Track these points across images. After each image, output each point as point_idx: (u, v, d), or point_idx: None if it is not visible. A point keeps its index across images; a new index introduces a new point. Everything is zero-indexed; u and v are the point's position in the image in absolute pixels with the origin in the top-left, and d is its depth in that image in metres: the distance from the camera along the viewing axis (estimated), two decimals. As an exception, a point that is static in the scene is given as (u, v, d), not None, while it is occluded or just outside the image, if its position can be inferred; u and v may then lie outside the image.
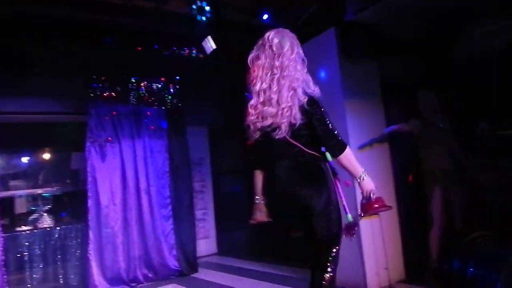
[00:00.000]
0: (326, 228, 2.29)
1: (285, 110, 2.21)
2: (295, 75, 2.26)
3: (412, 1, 3.33)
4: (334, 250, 2.33)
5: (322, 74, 4.43)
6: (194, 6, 4.34)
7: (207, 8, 4.32)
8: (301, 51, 2.38)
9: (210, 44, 4.84)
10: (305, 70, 2.34)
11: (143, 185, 5.52)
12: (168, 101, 5.86)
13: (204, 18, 4.43)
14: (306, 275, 2.43)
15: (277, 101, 2.23)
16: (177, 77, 5.90)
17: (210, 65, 5.71)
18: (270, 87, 2.25)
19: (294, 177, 2.29)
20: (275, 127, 2.25)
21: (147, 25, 4.85)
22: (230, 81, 6.66)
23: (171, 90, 5.89)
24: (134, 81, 5.60)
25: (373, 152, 4.35)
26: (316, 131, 2.25)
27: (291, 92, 2.22)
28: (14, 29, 4.36)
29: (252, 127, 2.35)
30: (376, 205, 4.02)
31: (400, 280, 4.30)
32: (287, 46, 2.31)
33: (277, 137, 2.25)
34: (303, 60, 2.36)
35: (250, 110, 2.34)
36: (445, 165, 4.19)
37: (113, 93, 5.49)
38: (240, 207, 7.07)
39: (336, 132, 2.28)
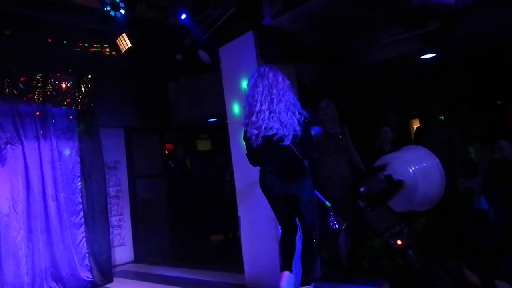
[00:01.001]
0: (313, 215, 3.18)
1: (288, 125, 3.02)
2: (290, 100, 3.09)
3: (320, 12, 3.49)
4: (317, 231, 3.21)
5: (241, 76, 4.44)
6: (107, 1, 4.11)
7: (121, 4, 4.11)
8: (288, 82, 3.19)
9: (125, 41, 4.62)
10: (295, 96, 3.17)
11: (50, 191, 5.10)
12: (79, 100, 5.50)
13: (118, 14, 4.21)
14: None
15: (279, 119, 3.02)
16: (89, 75, 5.56)
17: (125, 64, 5.47)
18: (269, 108, 3.03)
19: (288, 173, 3.13)
20: (281, 137, 3.03)
21: (56, 18, 4.50)
22: (147, 81, 6.46)
23: (82, 88, 5.54)
24: (39, 77, 5.16)
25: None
26: (305, 139, 3.15)
27: (289, 113, 3.04)
28: None
29: (254, 138, 3.10)
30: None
31: (317, 278, 4.44)
32: (280, 78, 3.14)
33: (281, 144, 3.04)
34: (291, 88, 3.17)
35: (249, 125, 3.11)
36: (343, 173, 4.46)
37: (14, 90, 5.01)
38: (159, 212, 6.89)
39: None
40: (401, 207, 1.00)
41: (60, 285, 4.97)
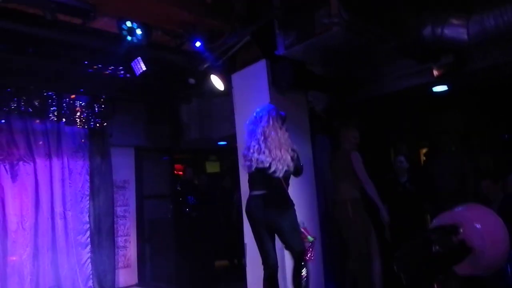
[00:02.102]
0: (299, 240, 3.43)
1: (282, 160, 3.31)
2: (280, 139, 3.36)
3: (332, 44, 3.54)
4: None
5: (252, 102, 4.49)
6: (124, 26, 4.21)
7: (138, 30, 4.20)
8: (279, 120, 3.46)
9: (140, 65, 4.71)
10: (285, 132, 3.43)
11: (58, 209, 5.14)
12: (92, 119, 5.58)
13: (134, 39, 4.31)
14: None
15: (270, 154, 3.31)
16: (103, 96, 5.65)
17: (139, 86, 5.55)
18: (259, 145, 3.35)
19: (272, 201, 3.34)
20: (274, 170, 3.29)
21: (74, 40, 4.60)
22: (160, 103, 6.54)
23: (96, 108, 5.62)
24: (54, 96, 5.26)
25: (299, 179, 4.45)
26: (295, 171, 3.48)
27: (283, 150, 3.33)
28: None
29: (247, 168, 3.46)
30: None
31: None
32: (265, 118, 3.43)
33: (273, 176, 3.30)
34: (283, 124, 3.46)
35: (245, 158, 3.47)
36: (355, 196, 4.38)
37: (29, 108, 5.10)
38: (165, 234, 6.84)
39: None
40: (464, 272, 0.93)
41: (64, 305, 4.96)
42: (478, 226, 1.00)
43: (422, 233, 0.95)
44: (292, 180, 4.36)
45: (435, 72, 3.75)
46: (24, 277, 4.74)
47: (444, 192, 4.62)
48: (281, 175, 3.30)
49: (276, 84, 4.24)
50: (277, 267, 3.50)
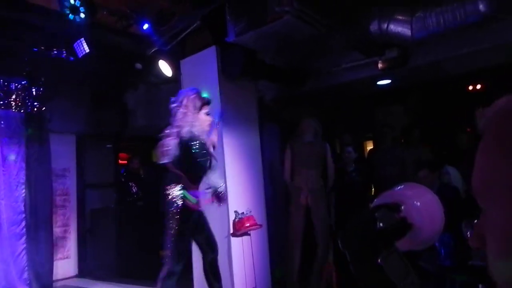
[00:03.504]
0: None
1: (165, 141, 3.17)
2: (186, 119, 3.21)
3: (283, 33, 3.55)
4: None
5: (202, 89, 4.41)
6: (66, 3, 3.97)
7: (81, 8, 3.97)
8: (196, 102, 3.30)
9: (83, 47, 4.46)
10: (202, 115, 3.29)
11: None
12: (29, 103, 5.23)
13: (77, 18, 4.07)
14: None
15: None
16: (42, 78, 5.31)
17: (82, 69, 5.27)
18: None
19: None
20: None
21: (10, 15, 4.27)
22: (104, 88, 6.27)
23: (33, 92, 5.27)
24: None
25: (246, 167, 4.46)
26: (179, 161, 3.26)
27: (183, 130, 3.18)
28: None
29: None
30: (248, 224, 4.15)
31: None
32: (180, 98, 3.34)
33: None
34: (201, 107, 3.29)
35: None
36: (313, 185, 4.46)
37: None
38: (108, 224, 6.59)
39: None
40: (403, 248, 0.96)
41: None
42: (418, 203, 1.06)
43: (365, 211, 0.98)
44: (240, 167, 4.37)
45: (380, 66, 3.88)
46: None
47: (385, 181, 4.83)
48: (166, 160, 3.15)
49: (226, 71, 4.20)
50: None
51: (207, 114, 3.31)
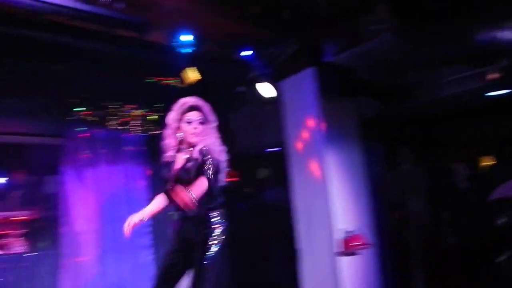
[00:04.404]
0: None
1: None
2: None
3: (382, 51, 3.49)
4: None
5: (301, 109, 4.54)
6: (176, 39, 4.41)
7: (190, 40, 4.38)
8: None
9: (192, 74, 4.90)
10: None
11: (121, 212, 5.41)
12: (150, 127, 5.87)
13: (186, 50, 4.50)
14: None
15: None
16: (161, 104, 5.92)
17: (191, 95, 5.75)
18: None
19: None
20: None
21: (131, 53, 4.88)
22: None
23: (153, 117, 5.91)
24: (114, 106, 5.60)
25: (350, 185, 4.43)
26: None
27: None
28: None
29: None
30: (355, 243, 4.10)
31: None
32: None
33: None
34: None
35: None
36: None
37: (92, 117, 5.47)
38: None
39: None
40: None
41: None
42: None
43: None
44: (343, 185, 4.35)
45: (491, 76, 3.60)
46: (91, 277, 5.06)
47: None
48: None
49: (324, 91, 4.26)
50: None
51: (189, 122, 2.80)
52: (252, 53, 4.41)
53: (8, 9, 3.74)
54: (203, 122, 2.82)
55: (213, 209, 2.67)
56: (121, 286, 5.24)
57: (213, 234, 2.63)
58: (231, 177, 7.90)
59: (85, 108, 5.42)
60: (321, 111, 4.32)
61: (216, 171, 2.65)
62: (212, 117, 2.88)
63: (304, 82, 4.40)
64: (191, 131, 2.76)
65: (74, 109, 5.35)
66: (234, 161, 7.98)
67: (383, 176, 4.84)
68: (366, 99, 4.57)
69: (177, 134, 2.82)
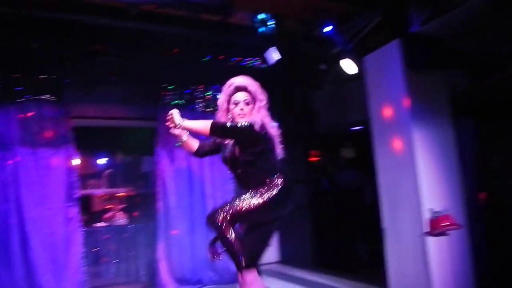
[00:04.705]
0: None
1: None
2: None
3: (475, 18, 3.19)
4: None
5: (387, 84, 4.37)
6: (257, 19, 4.48)
7: (270, 20, 4.42)
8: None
9: (273, 55, 4.96)
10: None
11: (208, 190, 5.71)
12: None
13: (267, 30, 4.55)
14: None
15: None
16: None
17: (273, 75, 5.83)
18: None
19: None
20: None
21: (214, 36, 5.06)
22: (293, 91, 6.76)
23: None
24: (201, 90, 5.87)
25: (440, 164, 4.20)
26: None
27: None
28: (91, 39, 4.75)
29: None
30: (445, 223, 3.90)
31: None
32: None
33: None
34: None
35: None
36: None
37: (181, 101, 5.80)
38: (302, 217, 7.10)
39: None
40: None
41: (216, 275, 5.54)
42: None
43: None
44: (432, 163, 4.13)
45: None
46: (184, 248, 5.44)
47: None
48: None
49: (411, 64, 4.04)
50: None
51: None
52: (334, 29, 4.33)
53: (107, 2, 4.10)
54: (250, 102, 2.84)
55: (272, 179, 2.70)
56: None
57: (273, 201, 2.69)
58: (313, 156, 8.00)
59: (174, 92, 5.78)
60: (408, 86, 4.11)
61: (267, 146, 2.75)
62: (261, 96, 2.89)
63: (389, 55, 4.20)
64: (238, 112, 2.81)
65: (165, 94, 5.72)
66: (317, 140, 8.06)
67: (476, 154, 4.48)
68: (457, 71, 4.22)
69: (228, 116, 2.90)
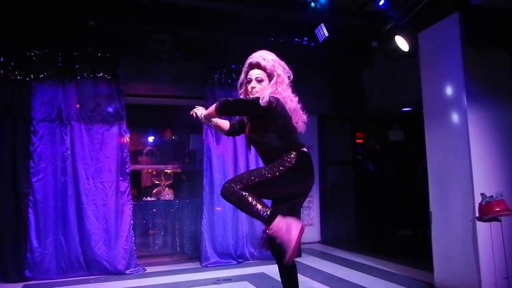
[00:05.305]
0: None
1: None
2: None
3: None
4: None
5: (443, 62, 4.15)
6: (308, -6, 4.37)
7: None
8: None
9: (323, 31, 4.83)
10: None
11: (252, 168, 5.76)
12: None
13: (318, 5, 4.44)
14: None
15: None
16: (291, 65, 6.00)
17: (322, 54, 5.71)
18: None
19: None
20: None
21: (267, 13, 4.99)
22: (342, 70, 6.59)
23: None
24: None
25: (496, 148, 3.97)
26: None
27: None
28: (145, 18, 4.84)
29: None
30: (497, 208, 3.74)
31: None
32: None
33: None
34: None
35: None
36: None
37: (229, 80, 5.83)
38: (346, 199, 7.04)
39: None
40: None
41: (257, 251, 5.66)
42: None
43: None
44: (488, 147, 3.92)
45: None
46: (227, 224, 5.57)
47: None
48: None
49: (471, 40, 3.78)
50: None
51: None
52: (387, 3, 4.14)
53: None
54: (263, 79, 2.71)
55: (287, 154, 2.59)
56: (251, 234, 5.66)
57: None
58: (359, 138, 7.83)
59: (224, 71, 5.81)
60: (467, 64, 3.88)
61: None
62: (278, 71, 2.71)
63: (447, 30, 3.96)
64: (249, 90, 2.72)
65: (213, 73, 5.77)
66: (366, 121, 7.88)
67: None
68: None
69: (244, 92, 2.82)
